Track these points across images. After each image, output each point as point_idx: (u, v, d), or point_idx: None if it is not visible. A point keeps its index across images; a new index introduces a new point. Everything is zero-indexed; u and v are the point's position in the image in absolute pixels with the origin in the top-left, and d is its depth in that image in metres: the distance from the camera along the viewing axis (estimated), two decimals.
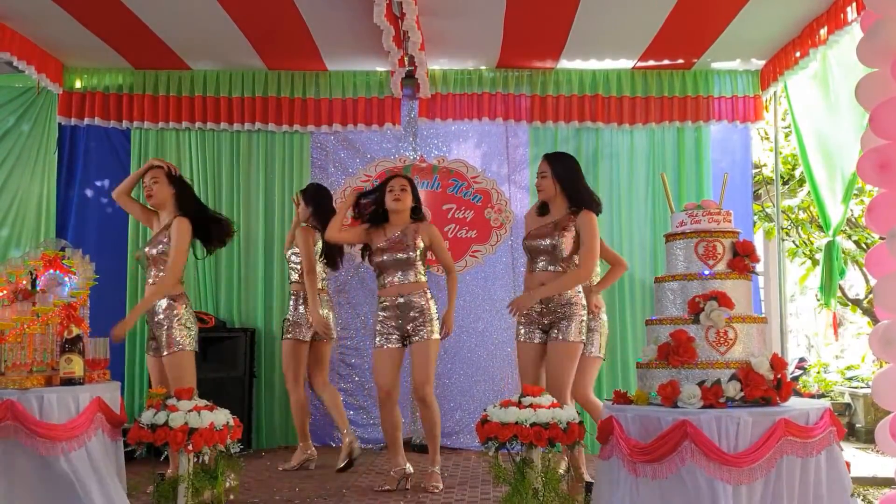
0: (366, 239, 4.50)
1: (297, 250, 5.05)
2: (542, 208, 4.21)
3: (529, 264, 4.20)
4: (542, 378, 4.13)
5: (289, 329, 5.06)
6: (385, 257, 4.40)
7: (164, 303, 4.06)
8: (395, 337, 4.39)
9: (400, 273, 4.39)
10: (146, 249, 4.17)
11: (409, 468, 4.43)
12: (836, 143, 5.12)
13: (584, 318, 4.09)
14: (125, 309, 5.59)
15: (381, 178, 5.96)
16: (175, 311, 4.07)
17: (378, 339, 4.41)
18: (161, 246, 4.09)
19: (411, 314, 4.36)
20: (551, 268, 4.06)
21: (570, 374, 4.04)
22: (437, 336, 4.41)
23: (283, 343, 5.11)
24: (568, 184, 4.12)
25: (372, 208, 4.52)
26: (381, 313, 4.43)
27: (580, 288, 4.12)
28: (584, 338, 4.09)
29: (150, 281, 4.15)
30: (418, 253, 4.41)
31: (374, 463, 5.25)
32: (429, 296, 4.43)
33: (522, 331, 4.14)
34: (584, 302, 4.10)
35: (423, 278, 4.46)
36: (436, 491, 4.30)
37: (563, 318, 4.02)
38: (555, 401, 3.39)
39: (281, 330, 5.23)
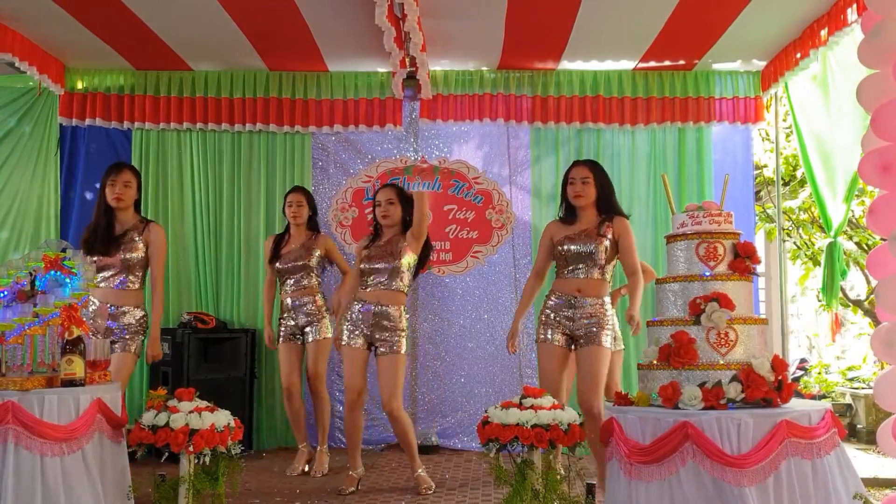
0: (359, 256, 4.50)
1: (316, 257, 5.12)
2: (569, 217, 4.15)
3: (560, 270, 4.14)
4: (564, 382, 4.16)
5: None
6: (366, 265, 4.40)
7: (139, 313, 4.24)
8: (359, 337, 4.35)
9: (384, 278, 4.36)
10: (124, 255, 4.22)
11: (362, 469, 4.51)
12: (836, 144, 5.12)
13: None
14: None
15: (383, 179, 5.99)
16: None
17: (345, 335, 4.37)
18: (139, 253, 4.24)
19: (382, 324, 4.33)
20: (591, 274, 4.03)
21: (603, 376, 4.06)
22: (404, 350, 4.37)
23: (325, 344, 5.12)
24: (607, 192, 4.13)
25: None
26: (355, 309, 4.38)
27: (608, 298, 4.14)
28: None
29: (118, 287, 4.21)
30: (402, 263, 4.37)
31: (376, 464, 5.25)
32: (403, 310, 4.41)
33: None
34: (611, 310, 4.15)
35: (404, 289, 4.42)
36: (429, 492, 4.32)
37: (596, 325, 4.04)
38: (555, 402, 3.40)
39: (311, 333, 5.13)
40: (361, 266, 4.43)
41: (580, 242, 4.03)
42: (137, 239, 4.24)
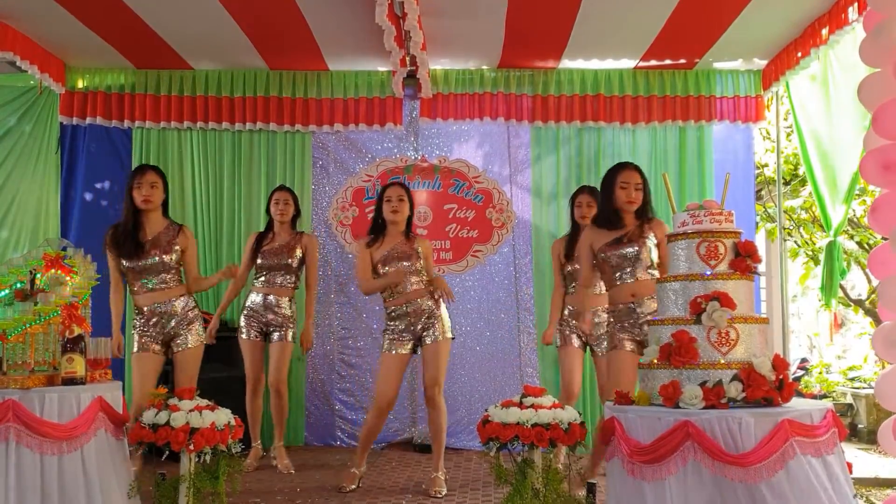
0: (372, 259, 4.45)
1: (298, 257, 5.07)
2: (610, 220, 4.01)
3: (607, 277, 4.02)
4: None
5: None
6: (388, 268, 4.38)
7: (186, 301, 4.33)
8: (406, 343, 4.38)
9: (414, 277, 4.38)
10: (163, 258, 4.25)
11: (364, 468, 4.55)
12: (836, 143, 5.12)
13: None
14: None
15: (383, 178, 5.99)
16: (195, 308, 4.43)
17: (387, 343, 4.39)
18: (175, 255, 4.29)
19: (422, 318, 4.37)
20: (640, 275, 3.92)
21: None
22: (449, 335, 4.41)
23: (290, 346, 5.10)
24: (648, 195, 4.07)
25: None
26: (390, 323, 4.42)
27: None
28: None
29: (156, 286, 4.25)
30: (420, 262, 4.42)
31: (377, 463, 5.25)
32: (436, 297, 4.42)
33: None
34: None
35: (426, 282, 4.46)
36: (439, 496, 4.30)
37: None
38: (556, 401, 3.40)
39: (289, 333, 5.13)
40: (381, 272, 4.39)
41: (624, 246, 3.93)
42: (173, 243, 4.28)
